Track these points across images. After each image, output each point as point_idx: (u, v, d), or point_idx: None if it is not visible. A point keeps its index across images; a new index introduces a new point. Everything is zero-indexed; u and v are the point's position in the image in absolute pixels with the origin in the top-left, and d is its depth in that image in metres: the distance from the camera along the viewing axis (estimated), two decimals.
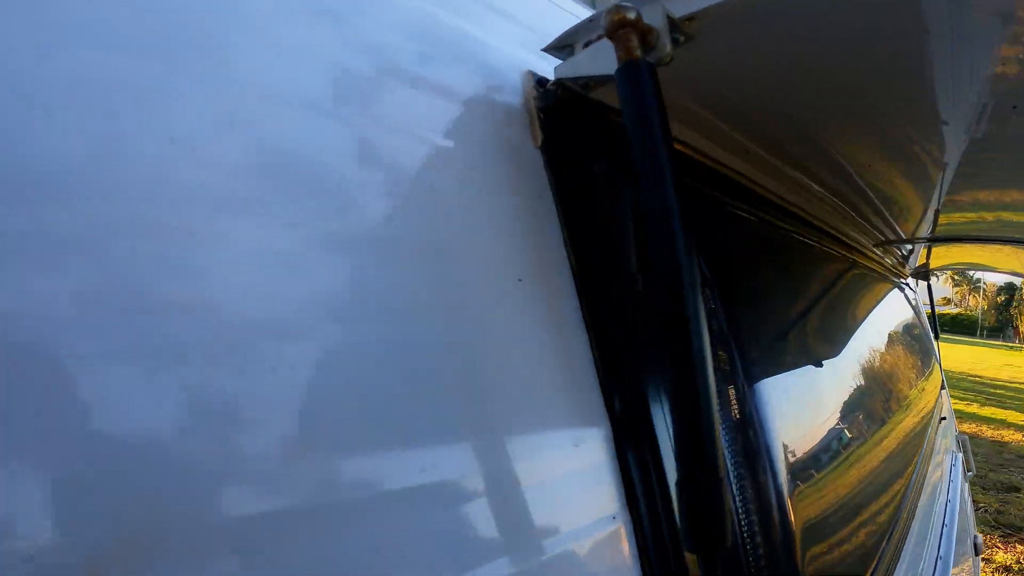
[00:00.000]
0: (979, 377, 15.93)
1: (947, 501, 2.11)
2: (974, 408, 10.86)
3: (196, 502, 0.27)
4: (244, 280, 0.30)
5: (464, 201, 0.43)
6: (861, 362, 1.41)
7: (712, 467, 0.36)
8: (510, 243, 0.45)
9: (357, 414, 0.32)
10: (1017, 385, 14.96)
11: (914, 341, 2.53)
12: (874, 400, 1.40)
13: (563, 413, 0.43)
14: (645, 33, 0.42)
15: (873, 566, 0.94)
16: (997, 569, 4.55)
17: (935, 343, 3.29)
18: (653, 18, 0.43)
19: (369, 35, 0.42)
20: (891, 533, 1.11)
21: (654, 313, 0.40)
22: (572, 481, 0.42)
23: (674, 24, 0.44)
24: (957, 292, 61.41)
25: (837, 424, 0.99)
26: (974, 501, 5.79)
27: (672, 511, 0.44)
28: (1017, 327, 42.03)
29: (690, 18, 0.44)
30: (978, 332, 48.29)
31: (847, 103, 0.78)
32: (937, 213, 1.82)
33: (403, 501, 0.33)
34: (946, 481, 2.28)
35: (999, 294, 54.66)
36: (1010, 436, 8.76)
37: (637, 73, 0.40)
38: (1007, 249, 2.50)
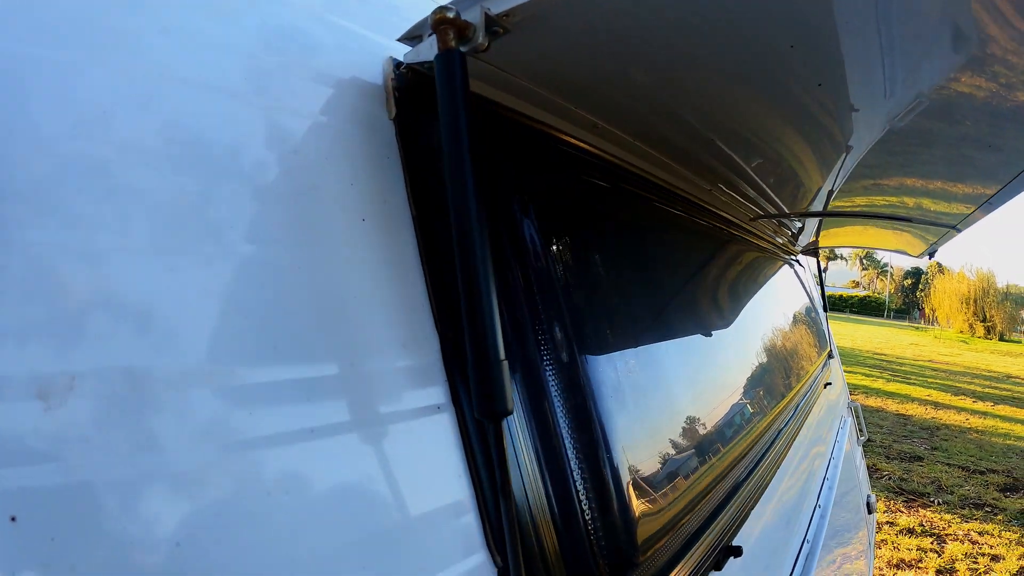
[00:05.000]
0: (885, 355, 16.73)
1: (831, 458, 2.30)
2: (880, 384, 11.39)
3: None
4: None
5: (319, 152, 0.54)
6: (735, 330, 1.54)
7: (494, 349, 0.47)
8: (359, 190, 0.56)
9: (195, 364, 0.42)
10: (921, 363, 15.77)
11: (799, 312, 2.69)
12: (743, 363, 1.51)
13: (398, 327, 0.55)
14: (462, 28, 0.53)
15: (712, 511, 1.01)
16: (901, 531, 4.83)
17: (823, 314, 3.48)
18: (472, 15, 0.53)
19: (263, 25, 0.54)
20: (743, 482, 1.19)
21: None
22: (404, 379, 0.54)
23: (491, 20, 0.54)
24: (865, 276, 63.85)
25: (689, 372, 1.10)
26: (879, 469, 6.15)
27: None
28: (923, 309, 43.89)
29: (506, 14, 0.53)
30: (885, 313, 50.25)
31: (748, 83, 0.85)
32: (831, 193, 1.92)
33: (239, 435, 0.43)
34: (830, 441, 2.46)
35: (906, 278, 57.07)
36: (913, 410, 9.24)
37: (450, 60, 0.51)
38: (889, 229, 2.63)
